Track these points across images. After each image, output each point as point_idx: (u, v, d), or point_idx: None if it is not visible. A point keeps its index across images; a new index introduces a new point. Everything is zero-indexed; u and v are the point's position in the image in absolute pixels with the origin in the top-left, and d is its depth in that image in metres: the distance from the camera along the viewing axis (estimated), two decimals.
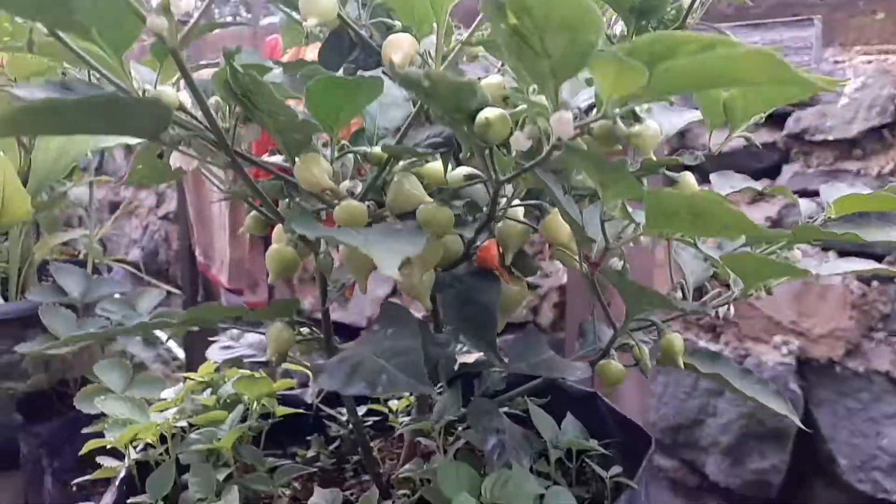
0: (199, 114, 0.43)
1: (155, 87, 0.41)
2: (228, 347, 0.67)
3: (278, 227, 0.52)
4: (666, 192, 0.37)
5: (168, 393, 0.79)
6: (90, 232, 1.70)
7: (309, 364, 0.63)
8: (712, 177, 0.62)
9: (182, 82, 0.40)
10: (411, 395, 0.76)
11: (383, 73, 0.53)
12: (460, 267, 0.57)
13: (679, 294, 0.52)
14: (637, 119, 0.55)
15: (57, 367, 1.49)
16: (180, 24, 0.36)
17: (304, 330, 0.61)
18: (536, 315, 2.10)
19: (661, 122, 0.61)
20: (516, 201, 0.51)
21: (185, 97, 0.43)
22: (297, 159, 0.45)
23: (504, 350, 0.56)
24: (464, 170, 0.50)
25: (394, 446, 0.78)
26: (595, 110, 0.34)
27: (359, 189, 0.50)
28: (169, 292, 2.12)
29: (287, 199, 0.52)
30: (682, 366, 0.50)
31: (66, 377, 1.49)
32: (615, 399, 1.50)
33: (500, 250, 0.56)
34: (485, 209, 0.51)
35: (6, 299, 1.59)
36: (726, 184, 0.60)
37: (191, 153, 0.44)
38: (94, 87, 0.42)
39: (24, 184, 1.51)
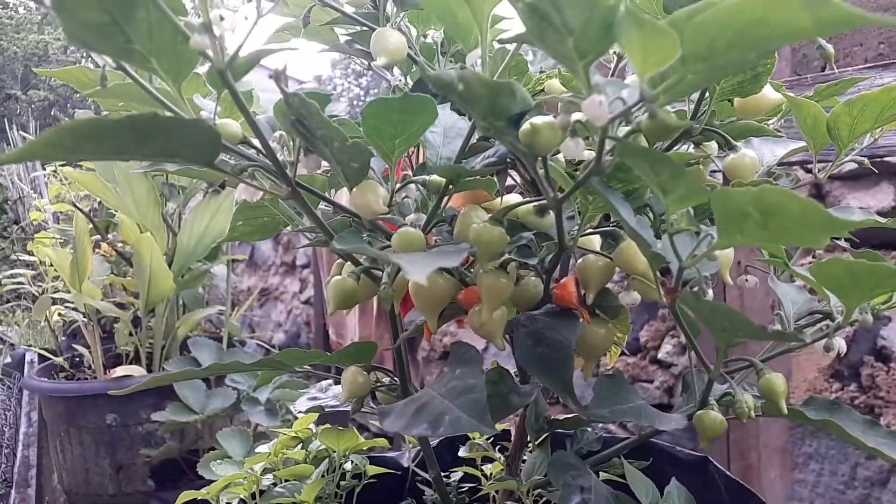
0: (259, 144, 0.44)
1: (214, 117, 0.43)
2: (315, 398, 0.66)
3: (340, 261, 0.51)
4: (732, 191, 0.33)
5: (263, 448, 0.79)
6: (227, 309, 1.80)
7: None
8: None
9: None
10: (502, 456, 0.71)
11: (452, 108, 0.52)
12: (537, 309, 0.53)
13: (778, 327, 0.46)
14: (732, 147, 0.50)
15: (189, 437, 1.55)
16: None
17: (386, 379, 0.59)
18: (671, 397, 1.96)
19: (761, 152, 0.56)
20: (589, 228, 0.48)
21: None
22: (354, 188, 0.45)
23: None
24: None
25: None
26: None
27: (423, 222, 0.49)
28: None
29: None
30: (786, 411, 0.44)
31: (197, 446, 1.55)
32: (758, 488, 1.35)
33: (581, 288, 0.52)
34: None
35: (150, 371, 1.70)
36: (846, 217, 0.54)
37: (254, 185, 0.44)
38: (166, 107, 0.44)
39: (170, 263, 1.64)
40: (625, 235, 0.47)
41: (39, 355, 2.23)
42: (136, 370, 1.63)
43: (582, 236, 0.48)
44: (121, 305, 1.90)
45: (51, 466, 2.05)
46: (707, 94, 0.48)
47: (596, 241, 0.50)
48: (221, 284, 1.98)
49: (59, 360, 1.77)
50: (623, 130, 0.35)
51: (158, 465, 1.54)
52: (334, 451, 0.69)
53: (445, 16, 0.40)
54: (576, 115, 0.35)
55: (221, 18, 0.35)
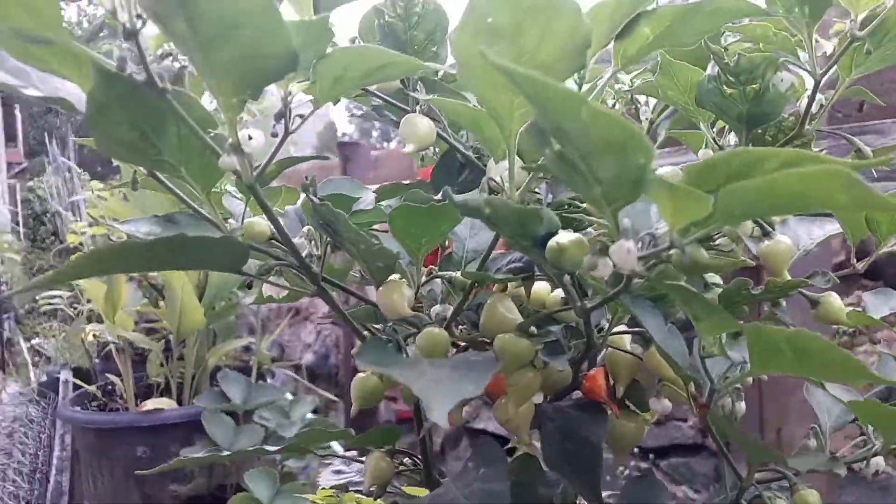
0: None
1: (242, 220, 0.43)
2: (339, 472, 0.66)
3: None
4: (766, 328, 0.32)
5: None
6: (258, 340, 1.81)
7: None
8: (865, 296, 0.54)
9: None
10: None
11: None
12: (565, 398, 0.52)
13: (813, 442, 0.44)
14: (766, 234, 0.49)
15: (218, 473, 1.56)
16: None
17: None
18: (705, 437, 1.92)
19: (798, 234, 0.54)
20: (620, 326, 0.47)
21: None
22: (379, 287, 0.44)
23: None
24: (560, 293, 0.47)
25: None
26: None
27: (449, 313, 0.48)
28: (309, 388, 2.19)
29: (381, 325, 0.51)
30: None
31: (225, 482, 1.56)
32: None
33: (610, 381, 0.51)
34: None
35: (180, 403, 1.71)
36: (884, 304, 0.52)
37: (279, 283, 0.44)
38: (194, 217, 0.45)
39: (202, 295, 1.66)
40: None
41: (74, 382, 2.27)
42: (167, 402, 1.64)
43: (612, 335, 0.47)
44: (152, 331, 1.92)
45: (82, 492, 2.08)
46: None
47: (626, 339, 0.49)
48: (251, 314, 2.00)
49: (91, 388, 1.80)
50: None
51: (186, 500, 1.55)
52: None
53: (473, 127, 0.40)
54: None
55: (250, 138, 0.35)
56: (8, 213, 3.20)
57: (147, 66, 0.33)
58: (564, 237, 0.36)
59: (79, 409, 1.70)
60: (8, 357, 3.60)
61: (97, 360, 2.59)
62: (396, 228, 0.44)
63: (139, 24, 0.32)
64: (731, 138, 0.50)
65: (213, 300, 1.70)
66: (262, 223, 0.44)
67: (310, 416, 1.55)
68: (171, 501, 1.55)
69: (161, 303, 1.98)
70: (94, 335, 2.40)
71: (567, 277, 0.39)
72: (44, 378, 2.90)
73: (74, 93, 0.39)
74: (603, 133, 0.25)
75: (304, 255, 0.46)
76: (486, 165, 0.59)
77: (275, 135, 0.37)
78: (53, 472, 1.99)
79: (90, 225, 2.44)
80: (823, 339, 0.29)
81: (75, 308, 2.64)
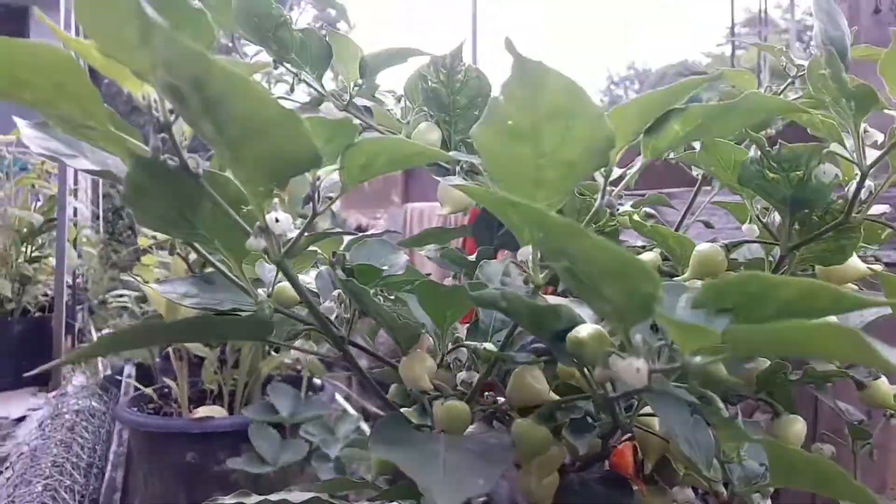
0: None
1: (272, 287, 0.44)
2: None
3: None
4: (787, 449, 0.31)
5: None
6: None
7: None
8: None
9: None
10: None
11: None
12: (592, 469, 0.52)
13: None
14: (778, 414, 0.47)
15: (263, 484, 1.59)
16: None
17: None
18: None
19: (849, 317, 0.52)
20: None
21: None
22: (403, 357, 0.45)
23: None
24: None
25: None
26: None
27: (475, 380, 0.49)
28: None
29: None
30: None
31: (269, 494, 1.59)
32: None
33: (639, 454, 0.51)
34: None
35: (231, 410, 1.76)
36: None
37: (304, 349, 0.45)
38: (229, 279, 0.46)
39: None
40: None
41: (135, 379, 2.35)
42: (218, 411, 1.69)
43: (640, 416, 0.46)
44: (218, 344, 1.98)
45: (136, 489, 2.15)
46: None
47: (655, 421, 0.48)
48: None
49: (148, 391, 1.86)
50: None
51: None
52: None
53: (500, 213, 0.40)
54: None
55: (277, 220, 0.36)
56: (88, 209, 3.34)
57: (181, 155, 0.34)
58: (584, 331, 0.36)
59: (135, 410, 1.77)
60: (79, 347, 3.76)
61: (158, 360, 2.68)
62: (422, 299, 0.44)
63: (172, 117, 0.33)
64: (777, 216, 0.49)
65: None
66: (291, 289, 0.45)
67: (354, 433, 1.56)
68: None
69: None
70: None
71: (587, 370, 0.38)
72: (109, 372, 3.02)
73: (120, 167, 0.41)
74: (607, 263, 0.25)
75: (333, 317, 0.46)
76: None
77: (303, 216, 0.38)
78: (109, 467, 2.07)
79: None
80: (844, 474, 0.29)
81: (142, 307, 2.74)
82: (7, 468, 2.05)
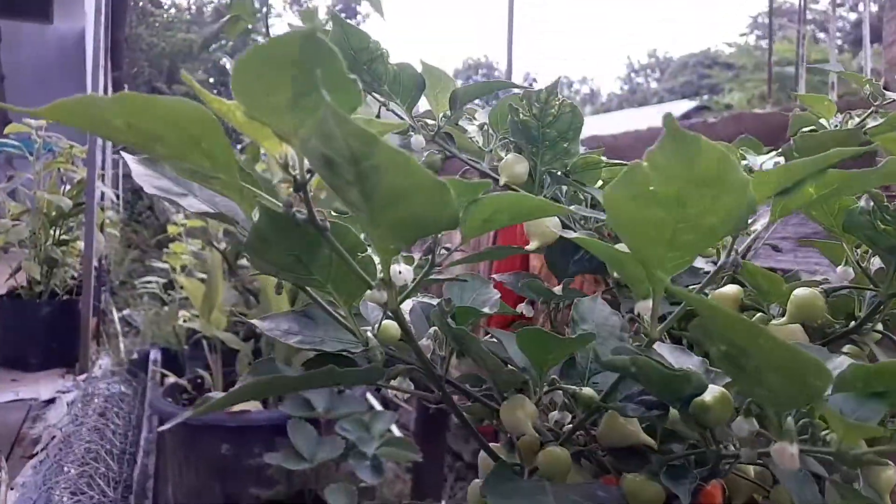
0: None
1: (378, 328, 0.44)
2: None
3: (483, 455, 0.51)
4: None
5: None
6: None
7: None
8: None
9: None
10: None
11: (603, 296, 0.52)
12: None
13: None
14: None
15: (297, 480, 1.61)
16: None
17: None
18: None
19: None
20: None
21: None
22: (503, 401, 0.45)
23: None
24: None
25: None
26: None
27: (567, 420, 0.48)
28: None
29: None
30: None
31: (303, 489, 1.61)
32: None
33: (726, 497, 0.50)
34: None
35: (265, 404, 1.77)
36: None
37: (402, 388, 0.45)
38: (330, 315, 0.46)
39: (293, 300, 1.71)
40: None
41: (161, 366, 2.38)
42: (253, 404, 1.70)
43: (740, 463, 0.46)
44: (251, 336, 1.99)
45: (166, 476, 2.18)
46: None
47: (751, 468, 0.47)
48: None
49: (183, 381, 1.88)
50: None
51: (266, 502, 1.60)
52: None
53: (616, 265, 0.40)
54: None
55: (399, 273, 0.36)
56: (111, 192, 3.36)
57: (311, 210, 0.34)
58: (710, 395, 0.36)
59: (170, 400, 1.79)
60: (102, 328, 3.80)
61: (186, 347, 2.71)
62: (523, 344, 0.44)
63: (308, 176, 0.33)
64: (876, 261, 0.48)
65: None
66: (393, 327, 0.45)
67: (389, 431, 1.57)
68: (251, 502, 1.61)
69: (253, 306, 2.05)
70: (185, 320, 2.51)
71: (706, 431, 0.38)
72: (135, 356, 3.05)
73: (232, 206, 0.41)
74: (782, 360, 0.25)
75: (428, 355, 0.46)
76: None
77: (420, 266, 0.38)
78: (141, 454, 2.10)
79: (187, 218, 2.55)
80: None
81: (169, 294, 2.77)
82: (41, 451, 2.08)
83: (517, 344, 0.44)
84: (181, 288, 2.68)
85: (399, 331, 0.46)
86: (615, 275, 0.54)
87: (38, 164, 2.95)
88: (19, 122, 2.69)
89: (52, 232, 2.99)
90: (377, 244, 0.34)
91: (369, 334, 0.43)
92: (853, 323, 0.51)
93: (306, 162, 0.32)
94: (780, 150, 0.75)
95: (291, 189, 0.34)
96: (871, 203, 0.43)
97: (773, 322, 0.49)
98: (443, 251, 0.38)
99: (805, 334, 0.52)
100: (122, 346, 3.63)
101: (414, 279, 0.38)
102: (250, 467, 1.62)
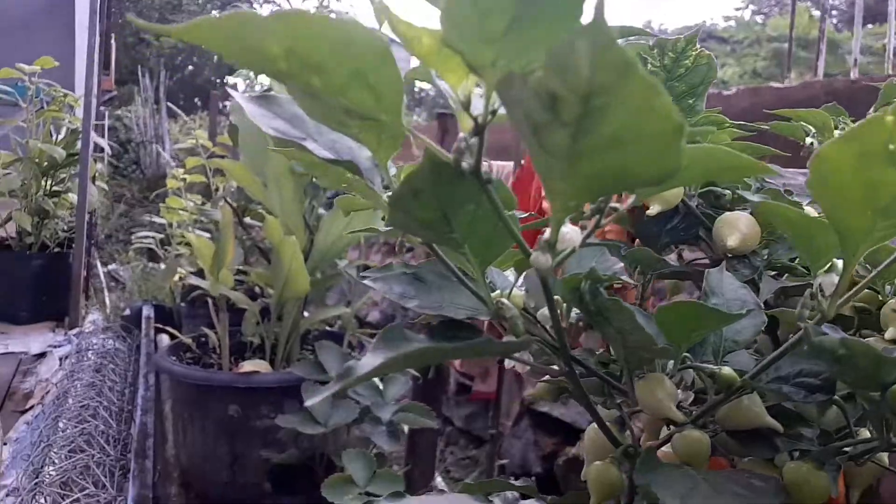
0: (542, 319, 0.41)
1: (510, 293, 0.40)
2: None
3: (593, 430, 0.48)
4: None
5: None
6: (351, 311, 1.81)
7: None
8: None
9: None
10: None
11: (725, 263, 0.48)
12: None
13: None
14: None
15: (306, 444, 1.58)
16: None
17: None
18: None
19: None
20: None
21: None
22: (638, 379, 0.41)
23: None
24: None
25: None
26: None
27: (690, 401, 0.45)
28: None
29: (605, 398, 0.48)
30: None
31: (314, 454, 1.57)
32: None
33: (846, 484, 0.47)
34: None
35: (272, 364, 1.73)
36: None
37: (524, 360, 0.41)
38: (442, 278, 0.42)
39: (305, 261, 1.66)
40: None
41: (156, 321, 2.32)
42: (262, 365, 1.66)
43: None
44: (251, 293, 1.94)
45: (164, 434, 2.14)
46: None
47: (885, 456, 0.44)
48: (343, 280, 2.00)
49: (187, 340, 1.83)
50: None
51: (275, 467, 1.57)
52: None
53: (796, 232, 0.35)
54: None
55: (567, 234, 0.32)
56: (106, 143, 3.26)
57: (480, 159, 0.30)
58: None
59: (174, 359, 1.74)
60: (90, 283, 3.72)
61: (183, 304, 2.65)
62: (663, 323, 0.40)
63: (490, 118, 0.28)
64: None
65: (316, 267, 1.70)
66: (518, 296, 0.41)
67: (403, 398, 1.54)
68: (259, 462, 1.57)
69: (259, 265, 1.99)
70: (180, 278, 2.45)
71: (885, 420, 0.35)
72: (127, 312, 2.98)
73: (356, 154, 0.36)
74: None
75: (548, 326, 0.42)
76: (704, 215, 0.55)
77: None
78: (139, 412, 2.05)
79: (185, 172, 2.47)
80: None
81: (166, 250, 2.70)
82: (36, 405, 2.03)
83: (659, 318, 0.40)
84: (178, 244, 2.61)
85: (523, 300, 0.42)
86: (731, 244, 0.49)
87: (30, 111, 2.84)
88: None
89: (43, 183, 2.89)
90: (557, 199, 0.29)
91: (505, 301, 0.38)
92: None
93: (493, 101, 0.28)
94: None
95: (464, 134, 0.29)
96: None
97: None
98: (611, 209, 0.33)
99: None
100: (107, 301, 3.56)
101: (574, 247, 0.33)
102: (257, 429, 1.59)
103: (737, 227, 0.51)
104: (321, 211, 1.78)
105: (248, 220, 1.98)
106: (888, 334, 0.44)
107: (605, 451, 0.46)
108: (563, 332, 0.39)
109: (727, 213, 0.53)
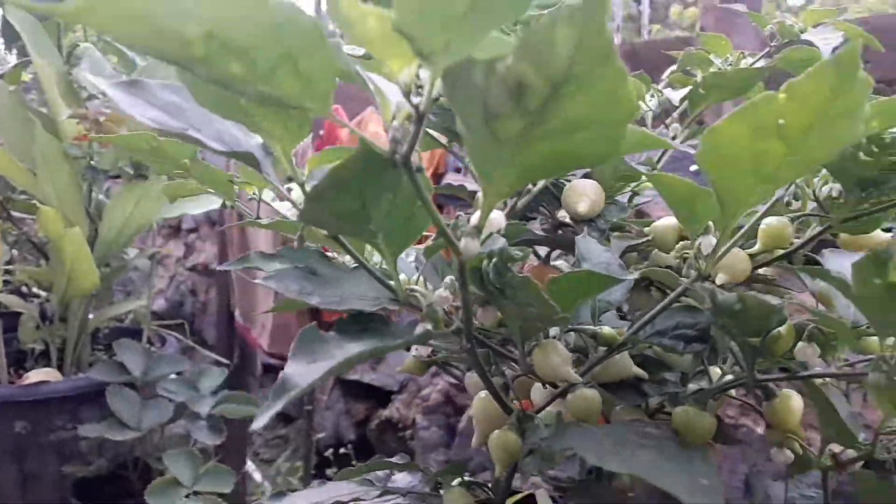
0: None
1: (418, 280, 0.39)
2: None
3: (483, 400, 0.49)
4: None
5: None
6: (148, 303, 1.67)
7: None
8: None
9: None
10: None
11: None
12: None
13: None
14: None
15: (115, 453, 1.44)
16: None
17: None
18: None
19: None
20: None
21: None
22: (531, 346, 0.42)
23: None
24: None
25: None
26: None
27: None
28: (194, 348, 2.08)
29: (492, 366, 0.49)
30: None
31: (125, 461, 1.44)
32: None
33: None
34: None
35: (62, 371, 1.55)
36: None
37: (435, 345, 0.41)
38: (337, 271, 0.40)
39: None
40: (777, 391, 0.47)
41: None
42: (52, 374, 1.48)
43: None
44: (20, 294, 1.72)
45: None
46: None
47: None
48: (133, 271, 1.83)
49: None
50: None
51: (80, 480, 1.42)
52: None
53: (678, 200, 0.38)
54: None
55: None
56: None
57: (413, 147, 0.29)
58: (784, 326, 0.37)
59: None
60: None
61: None
62: (554, 291, 0.42)
63: (431, 106, 0.27)
64: (826, 191, 0.52)
65: (102, 259, 1.54)
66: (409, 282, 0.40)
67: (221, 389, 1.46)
68: (56, 478, 1.41)
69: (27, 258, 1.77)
70: None
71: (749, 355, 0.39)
72: None
73: (256, 144, 0.33)
74: None
75: (445, 307, 0.42)
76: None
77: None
78: None
79: None
80: None
81: None
82: None
83: (551, 288, 0.42)
84: None
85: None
86: (581, 209, 0.52)
87: None
88: None
89: None
90: (494, 185, 0.29)
91: (417, 288, 0.37)
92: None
93: (436, 88, 0.27)
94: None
95: (396, 123, 0.28)
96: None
97: (748, 251, 0.52)
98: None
99: None
100: None
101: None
102: (51, 443, 1.42)
103: (585, 194, 0.54)
104: (101, 198, 1.61)
105: (16, 214, 1.73)
106: (718, 280, 0.49)
107: (496, 418, 0.48)
108: (470, 313, 0.39)
109: (575, 180, 0.56)
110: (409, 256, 0.47)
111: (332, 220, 0.32)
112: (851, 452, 0.43)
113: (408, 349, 0.46)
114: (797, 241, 0.55)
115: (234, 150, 0.32)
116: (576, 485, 0.52)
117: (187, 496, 1.17)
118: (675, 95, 0.71)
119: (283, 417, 3.02)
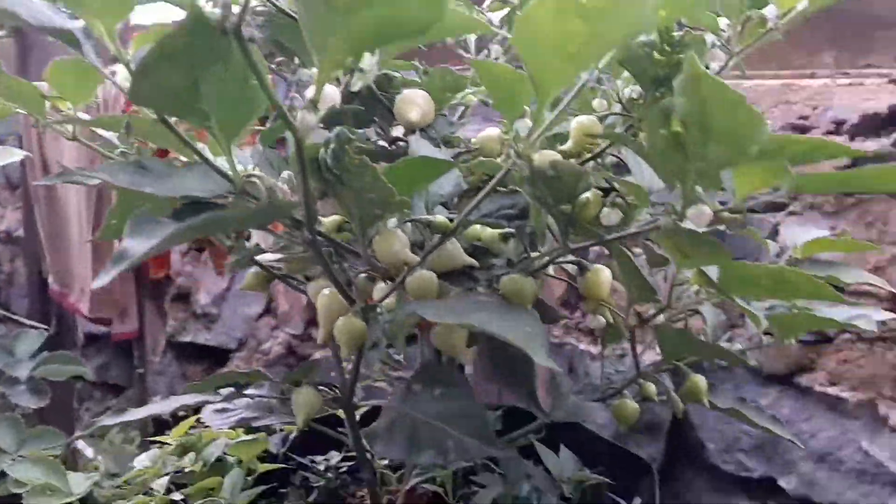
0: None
1: (254, 168, 0.39)
2: (225, 410, 0.63)
3: (328, 296, 0.50)
4: (750, 264, 0.41)
5: (142, 460, 0.73)
6: None
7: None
8: None
9: None
10: None
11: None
12: None
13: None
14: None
15: None
16: None
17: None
18: None
19: None
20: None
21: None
22: (373, 233, 0.45)
23: None
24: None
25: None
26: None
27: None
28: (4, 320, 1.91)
29: (336, 265, 0.51)
30: (707, 404, 0.55)
31: None
32: None
33: None
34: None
35: None
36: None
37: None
38: (169, 167, 0.40)
39: None
40: (589, 266, 0.53)
41: None
42: None
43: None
44: None
45: None
46: None
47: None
48: None
49: None
50: None
51: None
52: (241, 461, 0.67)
53: (496, 86, 0.42)
54: None
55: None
56: None
57: (245, 12, 0.29)
58: (592, 193, 0.42)
59: None
60: None
61: None
62: (393, 176, 0.44)
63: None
64: (628, 92, 0.58)
65: None
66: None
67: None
68: None
69: None
70: None
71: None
72: None
73: (78, 26, 0.32)
74: (742, 130, 0.31)
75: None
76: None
77: None
78: None
79: None
80: (802, 273, 0.40)
81: None
82: None
83: (389, 173, 0.44)
84: None
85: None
86: (413, 118, 0.55)
87: None
88: None
89: None
90: (328, 56, 0.31)
91: (257, 173, 0.38)
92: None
93: None
94: None
95: None
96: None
97: (560, 147, 0.57)
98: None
99: None
100: None
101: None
102: None
103: (416, 103, 0.56)
104: None
105: None
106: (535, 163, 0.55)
107: (341, 311, 0.50)
108: (311, 200, 0.40)
109: (406, 90, 0.58)
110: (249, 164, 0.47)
111: (160, 97, 0.32)
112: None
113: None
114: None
115: (49, 25, 0.31)
116: (419, 368, 0.55)
117: (14, 461, 1.09)
118: (495, 17, 0.75)
119: (111, 388, 2.85)
